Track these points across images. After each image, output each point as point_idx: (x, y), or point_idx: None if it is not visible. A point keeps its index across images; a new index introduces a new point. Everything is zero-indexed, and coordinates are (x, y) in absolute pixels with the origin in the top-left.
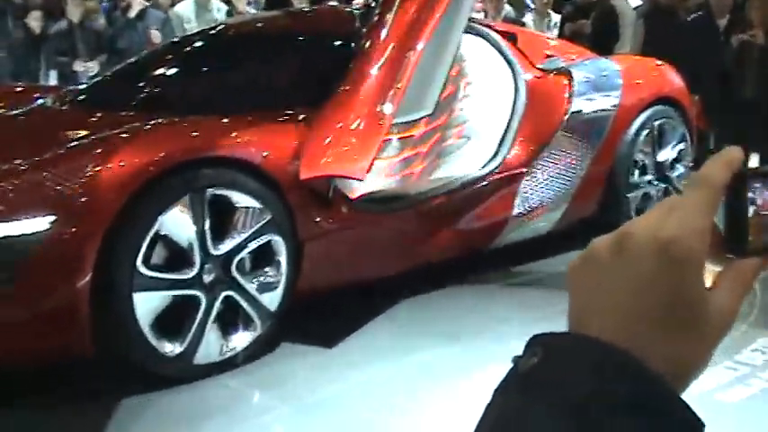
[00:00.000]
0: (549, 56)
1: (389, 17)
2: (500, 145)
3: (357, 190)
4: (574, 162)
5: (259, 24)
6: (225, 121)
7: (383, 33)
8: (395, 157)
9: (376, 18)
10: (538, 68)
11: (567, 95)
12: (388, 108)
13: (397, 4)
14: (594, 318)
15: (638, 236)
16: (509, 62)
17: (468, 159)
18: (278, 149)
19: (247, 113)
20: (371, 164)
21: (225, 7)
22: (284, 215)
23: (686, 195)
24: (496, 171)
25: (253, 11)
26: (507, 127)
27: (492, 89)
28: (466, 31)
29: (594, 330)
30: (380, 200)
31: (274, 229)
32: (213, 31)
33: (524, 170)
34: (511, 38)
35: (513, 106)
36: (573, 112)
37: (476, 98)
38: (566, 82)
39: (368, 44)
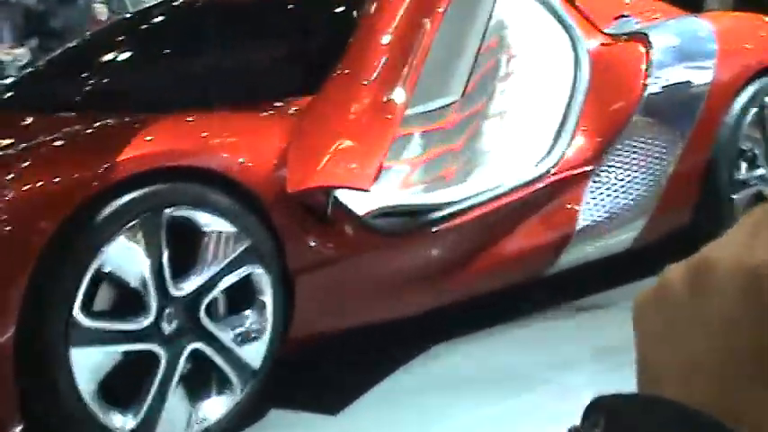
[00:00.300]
0: (619, 16)
1: None
2: (557, 137)
3: (366, 205)
4: (657, 156)
5: None
6: (189, 119)
7: None
8: (417, 159)
9: None
10: (605, 33)
11: (644, 68)
12: (399, 95)
13: None
14: (669, 372)
15: (719, 263)
16: (565, 26)
17: (514, 157)
18: (259, 155)
19: (219, 108)
20: (380, 169)
21: None
22: (268, 241)
23: None
24: (553, 171)
25: None
26: (566, 112)
27: (544, 63)
28: None
29: (670, 389)
30: (398, 216)
31: (255, 260)
32: (176, 3)
33: (590, 169)
34: None
35: (573, 85)
36: (653, 90)
37: (522, 76)
38: (642, 50)
39: (372, 10)
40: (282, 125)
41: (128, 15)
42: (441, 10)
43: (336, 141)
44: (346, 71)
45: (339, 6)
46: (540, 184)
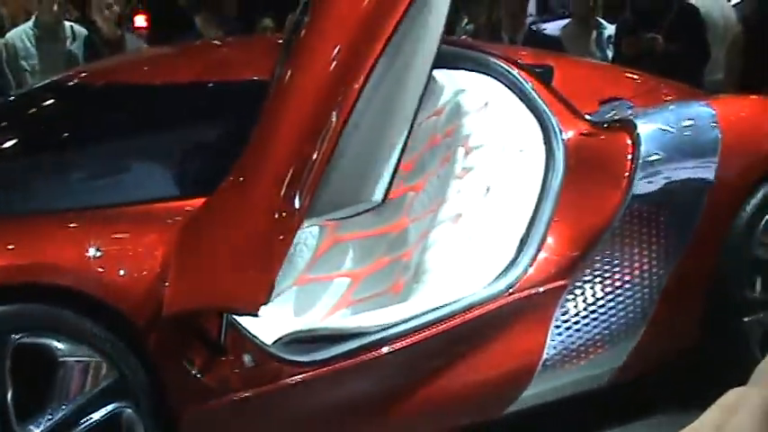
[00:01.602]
0: (608, 99)
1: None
2: (522, 245)
3: (275, 329)
4: (646, 269)
5: (136, 70)
6: (41, 222)
7: (287, 74)
8: (360, 270)
9: (287, 50)
10: (586, 121)
11: (629, 163)
12: (297, 202)
13: (311, 22)
14: None
15: None
16: (537, 113)
17: (469, 269)
18: (132, 269)
19: (85, 209)
20: (272, 289)
21: (83, 31)
22: (141, 372)
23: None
24: (516, 287)
25: (132, 37)
26: (534, 215)
27: (509, 157)
28: (467, 68)
29: None
30: (317, 342)
31: (124, 396)
32: (59, 85)
33: (562, 284)
34: (543, 74)
35: (544, 183)
36: (641, 190)
37: (483, 172)
38: (628, 141)
39: (275, 94)
40: (163, 232)
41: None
42: (353, 94)
43: (224, 256)
44: (240, 173)
45: (242, 94)
46: (499, 303)
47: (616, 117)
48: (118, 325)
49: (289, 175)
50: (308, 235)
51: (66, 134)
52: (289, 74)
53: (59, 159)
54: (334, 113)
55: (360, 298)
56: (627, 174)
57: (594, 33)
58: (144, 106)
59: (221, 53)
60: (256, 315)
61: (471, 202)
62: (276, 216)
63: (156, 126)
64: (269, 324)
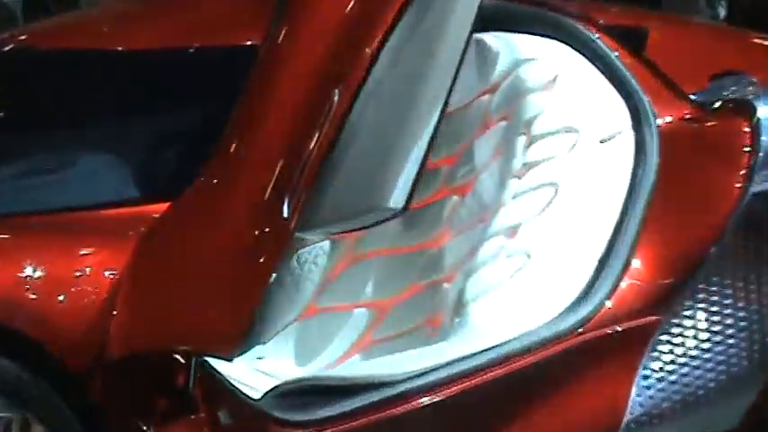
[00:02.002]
0: (722, 73)
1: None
2: (600, 267)
3: (264, 377)
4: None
5: (91, 31)
6: None
7: (280, 36)
8: (388, 300)
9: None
10: (690, 102)
11: (744, 156)
12: (284, 206)
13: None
14: None
15: None
16: (626, 92)
17: (526, 301)
18: (71, 295)
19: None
20: (249, 324)
21: None
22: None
23: None
24: (589, 324)
25: None
26: (618, 228)
27: (586, 150)
28: (532, 31)
29: None
30: (323, 394)
31: None
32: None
33: (653, 319)
34: (634, 40)
35: (633, 184)
36: (761, 188)
37: (549, 170)
38: (745, 129)
39: (259, 75)
40: (114, 248)
41: None
42: (356, 81)
43: (190, 281)
44: (212, 172)
45: (230, 65)
46: (567, 344)
47: (731, 97)
48: (50, 371)
49: (275, 174)
50: (319, 251)
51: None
52: (282, 36)
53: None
54: (336, 91)
55: (385, 336)
56: (743, 171)
57: None
58: (102, 79)
59: (207, 11)
60: (229, 359)
61: (533, 210)
62: (256, 230)
63: (117, 106)
64: (263, 370)
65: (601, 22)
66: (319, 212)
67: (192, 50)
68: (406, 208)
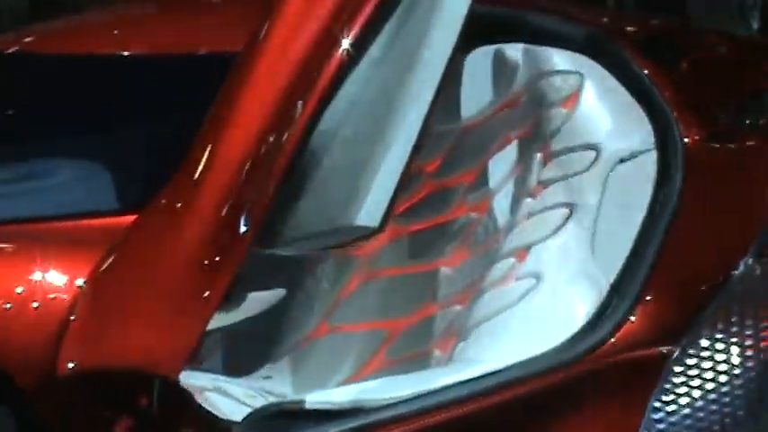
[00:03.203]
0: (756, 92)
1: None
2: (613, 293)
3: (241, 402)
4: None
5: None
6: None
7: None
8: (397, 321)
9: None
10: (721, 121)
11: None
12: (241, 223)
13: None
14: None
15: None
16: (652, 109)
17: (533, 326)
18: (20, 310)
19: None
20: (195, 346)
21: None
22: None
23: None
24: (598, 352)
25: None
26: (635, 251)
27: (605, 168)
28: (554, 43)
29: None
30: (292, 418)
31: None
32: None
33: (668, 350)
34: (664, 52)
35: (654, 205)
36: None
37: (564, 189)
38: None
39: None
40: (79, 261)
41: None
42: (318, 95)
43: (143, 299)
44: (175, 193)
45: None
46: (574, 372)
47: (761, 118)
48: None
49: (233, 191)
50: (330, 268)
51: None
52: (246, 53)
53: None
54: (298, 107)
55: (396, 358)
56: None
57: None
58: (79, 86)
59: (213, 14)
60: (175, 376)
61: (545, 231)
62: (213, 246)
63: (96, 115)
64: (269, 390)
65: (633, 34)
66: (287, 228)
67: (179, 58)
68: (382, 227)
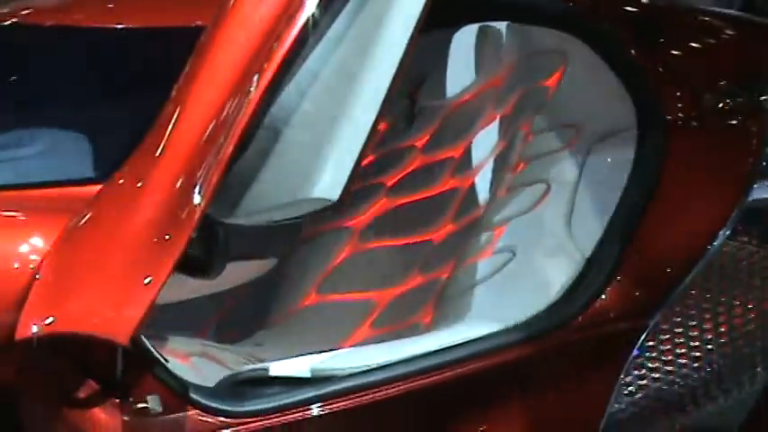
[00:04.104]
0: (745, 72)
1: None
2: (589, 266)
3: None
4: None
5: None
6: None
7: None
8: (387, 291)
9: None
10: (702, 101)
11: (749, 159)
12: (196, 194)
13: None
14: None
15: None
16: (634, 87)
17: (509, 298)
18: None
19: None
20: (145, 310)
21: None
22: None
23: None
24: (570, 324)
25: None
26: (611, 226)
27: (585, 145)
28: (538, 22)
29: None
30: (260, 385)
31: None
32: None
33: (640, 323)
34: (642, 25)
35: (630, 183)
36: (761, 195)
37: (544, 165)
38: (752, 129)
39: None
40: (49, 228)
41: None
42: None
43: (97, 267)
44: (135, 165)
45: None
46: (543, 346)
47: (743, 99)
48: None
49: (188, 164)
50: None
51: None
52: (208, 30)
53: None
54: (252, 84)
55: (382, 328)
56: (742, 171)
57: None
58: (62, 57)
59: None
60: (124, 344)
61: (523, 205)
62: (167, 216)
63: (79, 85)
64: (258, 357)
65: (619, 13)
66: (247, 200)
67: (170, 30)
68: (341, 200)
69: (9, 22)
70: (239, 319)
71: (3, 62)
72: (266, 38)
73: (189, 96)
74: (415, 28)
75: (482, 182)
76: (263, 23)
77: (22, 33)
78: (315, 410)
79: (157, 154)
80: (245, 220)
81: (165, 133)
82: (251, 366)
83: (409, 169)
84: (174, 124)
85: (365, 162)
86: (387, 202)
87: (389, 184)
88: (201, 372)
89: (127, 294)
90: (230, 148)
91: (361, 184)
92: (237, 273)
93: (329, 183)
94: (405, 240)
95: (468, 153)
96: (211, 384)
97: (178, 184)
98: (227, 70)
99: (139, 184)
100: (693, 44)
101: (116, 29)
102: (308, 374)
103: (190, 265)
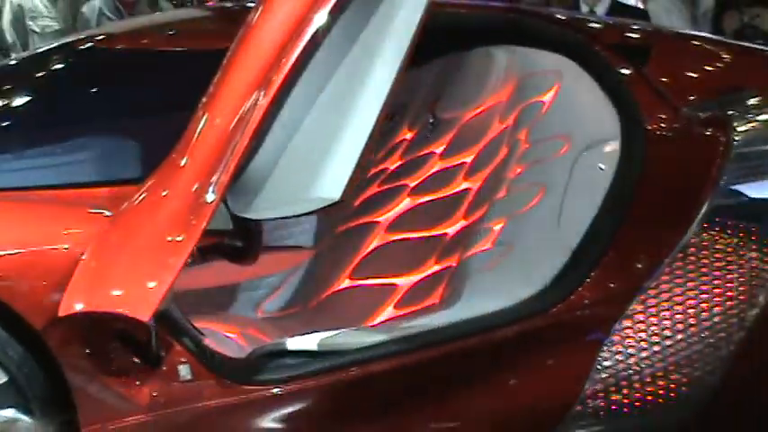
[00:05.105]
0: (727, 90)
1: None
2: (574, 258)
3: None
4: (732, 294)
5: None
6: None
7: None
8: (407, 276)
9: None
10: (679, 113)
11: (715, 167)
12: (210, 193)
13: None
14: None
15: None
16: (620, 102)
17: (504, 284)
18: (34, 258)
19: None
20: (164, 293)
21: None
22: (40, 380)
23: None
24: (552, 309)
25: None
26: (596, 222)
27: (575, 153)
28: (537, 44)
29: None
30: (274, 357)
31: (18, 404)
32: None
33: (617, 309)
34: (638, 54)
35: (614, 186)
36: (722, 202)
37: (539, 169)
38: (722, 139)
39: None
40: (78, 220)
41: None
42: (278, 80)
43: (130, 256)
44: (161, 175)
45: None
46: (526, 327)
47: (715, 112)
48: (10, 323)
49: (204, 171)
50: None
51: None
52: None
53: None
54: (260, 94)
55: (403, 311)
56: (709, 177)
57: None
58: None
59: None
60: (145, 322)
61: (520, 204)
62: (184, 215)
63: (129, 99)
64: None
65: (608, 37)
66: (258, 199)
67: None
68: (343, 199)
69: (86, 46)
70: (286, 300)
71: (79, 79)
72: (278, 53)
73: (208, 110)
74: (412, 41)
75: (488, 184)
76: (275, 43)
77: (95, 56)
78: (324, 380)
79: (182, 166)
80: (256, 216)
81: (189, 145)
82: (274, 341)
83: (429, 172)
84: (196, 136)
85: (393, 167)
86: (410, 201)
87: (412, 185)
88: (242, 345)
89: (149, 277)
90: (239, 156)
91: (388, 185)
92: (284, 260)
93: (333, 183)
94: (424, 233)
95: (478, 158)
96: (243, 356)
97: (194, 188)
98: (241, 86)
99: (164, 193)
100: (673, 65)
101: (177, 51)
102: (320, 349)
103: (231, 253)
